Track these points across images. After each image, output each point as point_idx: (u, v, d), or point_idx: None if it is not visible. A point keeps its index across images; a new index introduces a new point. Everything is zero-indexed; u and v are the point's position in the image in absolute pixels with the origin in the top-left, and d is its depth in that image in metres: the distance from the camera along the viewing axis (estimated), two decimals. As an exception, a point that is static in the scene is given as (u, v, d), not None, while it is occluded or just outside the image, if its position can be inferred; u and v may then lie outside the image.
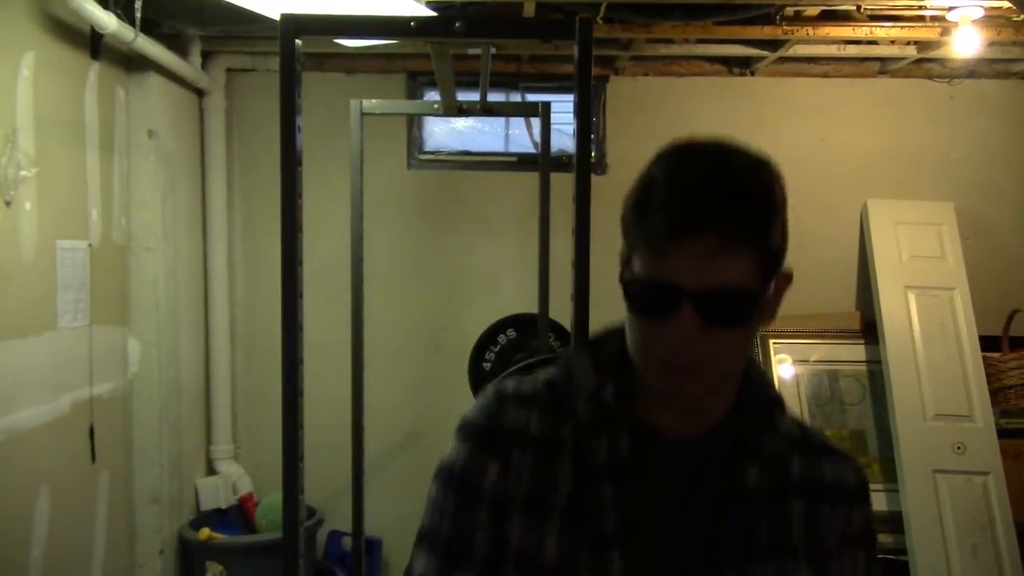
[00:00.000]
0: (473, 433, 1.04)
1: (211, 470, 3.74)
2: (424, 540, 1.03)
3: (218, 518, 3.57)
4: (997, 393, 3.48)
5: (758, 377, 1.06)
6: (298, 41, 1.79)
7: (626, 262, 0.98)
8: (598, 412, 1.01)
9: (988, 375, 3.48)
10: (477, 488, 1.01)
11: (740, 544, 0.99)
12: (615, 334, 1.04)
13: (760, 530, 1.00)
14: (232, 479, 3.72)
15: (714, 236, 0.89)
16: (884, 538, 3.26)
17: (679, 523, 1.00)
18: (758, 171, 0.97)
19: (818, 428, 1.18)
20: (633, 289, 0.96)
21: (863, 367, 3.69)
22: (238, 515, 3.68)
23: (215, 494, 3.65)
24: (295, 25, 1.77)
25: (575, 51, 1.77)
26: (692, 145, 0.99)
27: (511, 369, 1.18)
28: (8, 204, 2.39)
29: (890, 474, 3.40)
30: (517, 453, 1.00)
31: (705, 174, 0.94)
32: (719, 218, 0.90)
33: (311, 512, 3.50)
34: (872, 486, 3.54)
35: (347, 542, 3.65)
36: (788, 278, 1.01)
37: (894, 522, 3.29)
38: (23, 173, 2.40)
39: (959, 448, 3.34)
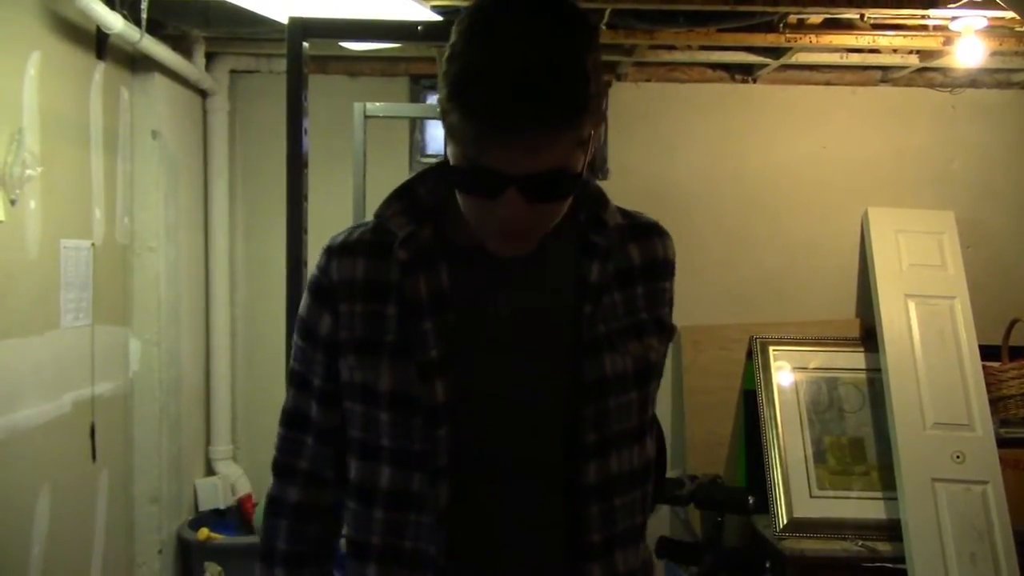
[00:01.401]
0: (310, 287, 1.17)
1: (210, 470, 3.74)
2: (290, 378, 1.23)
3: (216, 518, 3.57)
4: (996, 402, 3.48)
5: (582, 184, 1.10)
6: (305, 44, 1.80)
7: (448, 139, 1.00)
8: (415, 253, 1.10)
9: (988, 384, 3.48)
10: (315, 335, 1.16)
11: (593, 334, 1.10)
12: (429, 172, 1.16)
13: (614, 317, 1.12)
14: (231, 480, 3.72)
15: (533, 134, 0.93)
16: (883, 546, 3.26)
17: (525, 326, 1.11)
18: (569, 44, 0.94)
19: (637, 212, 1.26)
20: (458, 174, 0.99)
21: (862, 375, 3.69)
22: (236, 516, 3.68)
23: (214, 494, 3.65)
24: (303, 28, 1.78)
25: (581, 57, 1.78)
26: (500, 8, 0.97)
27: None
28: (13, 203, 2.39)
29: (889, 482, 3.40)
30: (344, 304, 1.12)
31: (520, 67, 0.91)
32: (536, 121, 0.92)
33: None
34: (871, 494, 3.55)
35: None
36: (600, 120, 1.03)
37: (893, 530, 3.29)
38: (28, 172, 2.40)
39: (958, 457, 3.34)
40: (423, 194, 1.14)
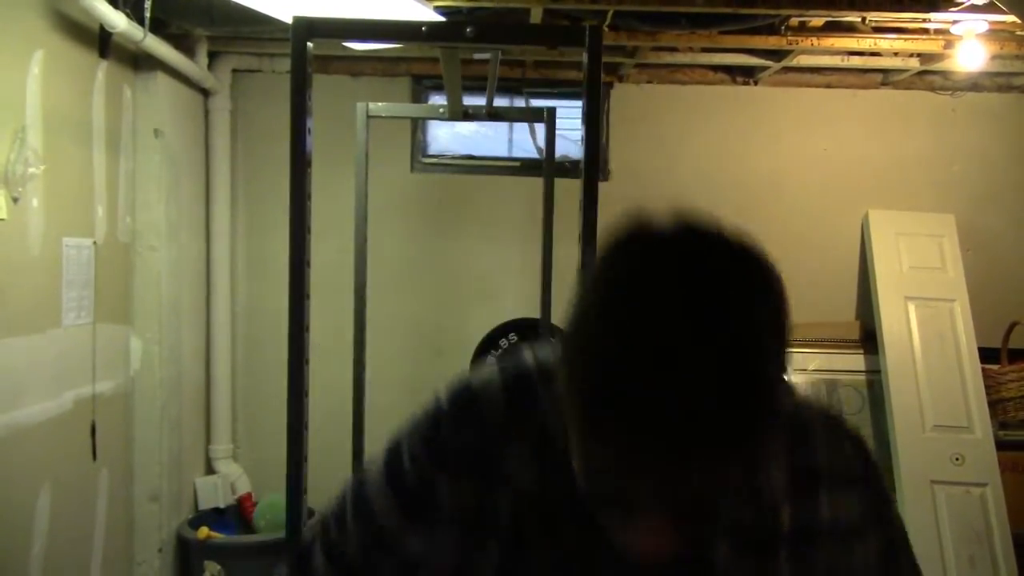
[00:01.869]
0: (405, 488, 0.90)
1: (210, 469, 3.74)
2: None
3: (216, 517, 3.58)
4: (996, 405, 3.49)
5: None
6: (309, 44, 1.80)
7: (568, 423, 0.72)
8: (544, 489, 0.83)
9: (987, 387, 3.49)
10: (400, 547, 0.90)
11: None
12: (544, 383, 0.84)
13: None
14: (231, 479, 3.72)
15: (701, 461, 0.65)
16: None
17: None
18: (757, 344, 0.68)
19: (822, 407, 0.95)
20: (583, 483, 0.72)
21: (862, 377, 3.70)
22: (236, 515, 3.68)
23: (214, 493, 3.65)
24: (307, 28, 1.78)
25: (584, 58, 1.79)
26: (649, 278, 0.68)
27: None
28: (16, 201, 2.39)
29: (888, 484, 3.41)
30: (442, 531, 0.87)
31: (690, 385, 0.64)
32: (713, 436, 0.64)
33: (310, 513, 3.49)
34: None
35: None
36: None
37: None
38: (31, 170, 2.41)
39: (957, 459, 3.35)
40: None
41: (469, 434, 0.86)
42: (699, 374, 0.63)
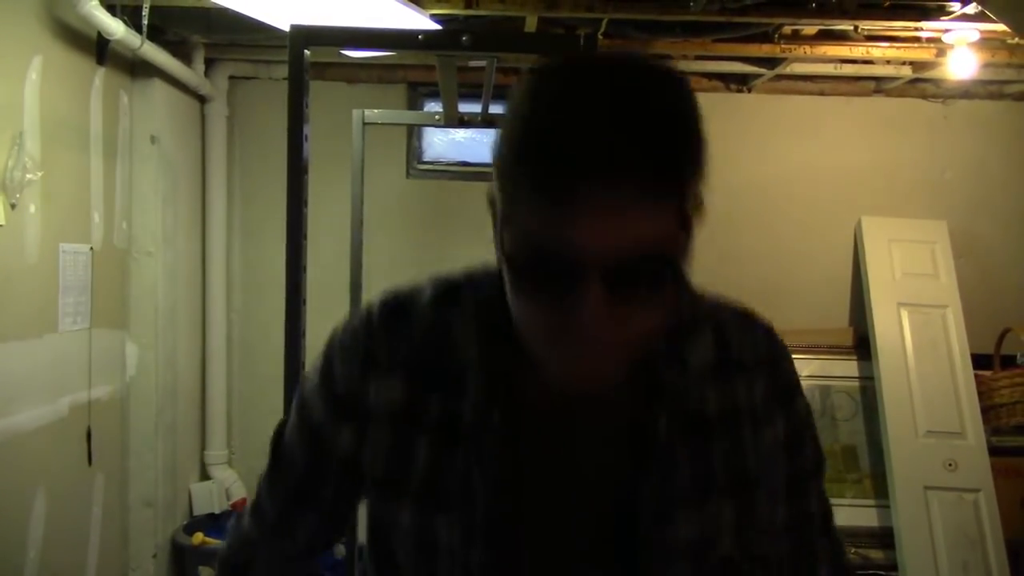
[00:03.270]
0: (325, 378, 0.96)
1: (205, 475, 3.74)
2: (296, 409, 1.01)
3: (211, 523, 3.57)
4: (988, 411, 3.51)
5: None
6: (307, 51, 1.82)
7: (505, 220, 0.76)
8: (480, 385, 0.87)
9: (980, 393, 3.51)
10: (328, 441, 0.95)
11: (659, 498, 0.86)
12: (490, 277, 0.88)
13: (678, 477, 0.87)
14: (225, 484, 3.72)
15: (631, 184, 0.68)
16: (875, 554, 3.28)
17: (575, 479, 0.88)
18: (674, 88, 0.74)
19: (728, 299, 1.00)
20: (518, 261, 0.74)
21: (855, 383, 3.71)
22: (231, 520, 3.68)
23: (208, 499, 3.65)
24: (305, 36, 1.80)
25: (579, 66, 1.80)
26: (579, 64, 0.77)
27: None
28: (13, 207, 2.40)
29: (881, 490, 3.42)
30: (374, 428, 0.90)
31: (611, 100, 0.70)
32: (638, 159, 0.68)
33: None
34: (863, 501, 3.55)
35: (339, 549, 3.66)
36: (701, 205, 0.79)
37: (885, 538, 3.31)
38: (29, 176, 2.41)
39: (951, 465, 3.37)
40: (482, 303, 0.90)
41: (397, 338, 0.90)
42: (620, 107, 0.70)
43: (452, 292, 0.92)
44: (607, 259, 0.69)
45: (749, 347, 0.95)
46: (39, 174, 2.49)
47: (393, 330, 0.90)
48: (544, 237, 0.70)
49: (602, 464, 0.87)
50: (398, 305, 0.92)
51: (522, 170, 0.71)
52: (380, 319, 0.91)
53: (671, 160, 0.70)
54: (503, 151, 0.74)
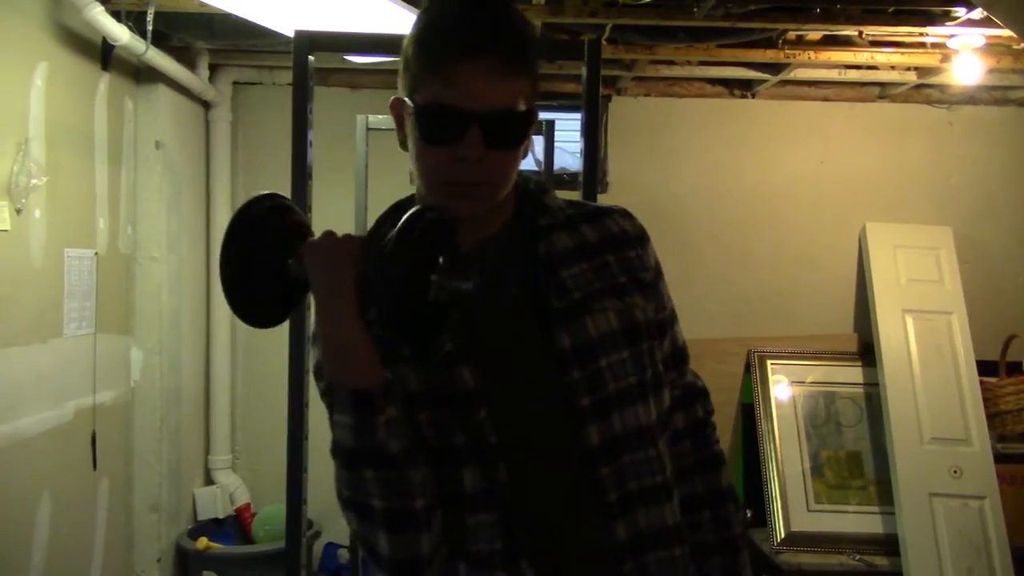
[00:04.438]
0: None
1: (209, 480, 3.74)
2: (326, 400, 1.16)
3: (215, 528, 3.58)
4: (994, 418, 3.49)
5: (520, 177, 1.20)
6: (311, 57, 1.82)
7: (412, 93, 1.08)
8: None
9: (985, 399, 3.49)
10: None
11: (568, 301, 1.13)
12: (397, 207, 1.23)
13: (586, 282, 1.14)
14: (230, 489, 3.72)
15: (494, 58, 1.03)
16: (880, 561, 3.27)
17: (504, 313, 1.15)
18: (515, 10, 1.11)
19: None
20: (424, 117, 1.06)
21: (860, 389, 3.70)
22: (235, 525, 3.68)
23: (212, 504, 3.65)
24: (309, 41, 1.80)
25: (584, 71, 1.80)
26: None
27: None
28: (19, 212, 2.41)
29: (886, 497, 3.41)
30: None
31: (480, 8, 1.07)
32: (496, 41, 1.04)
33: (308, 524, 3.50)
34: (868, 508, 3.54)
35: (343, 555, 3.66)
36: (536, 115, 1.13)
37: (890, 544, 3.30)
38: (34, 181, 2.42)
39: (956, 472, 3.35)
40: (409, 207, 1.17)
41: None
42: (486, 10, 1.08)
43: (394, 207, 1.26)
44: (483, 112, 1.04)
45: (603, 206, 1.28)
46: (44, 179, 2.50)
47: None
48: (440, 101, 1.04)
49: (518, 289, 1.15)
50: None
51: (418, 48, 1.07)
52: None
53: (521, 45, 1.07)
54: (409, 47, 1.09)
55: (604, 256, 1.18)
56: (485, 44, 1.04)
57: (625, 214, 1.25)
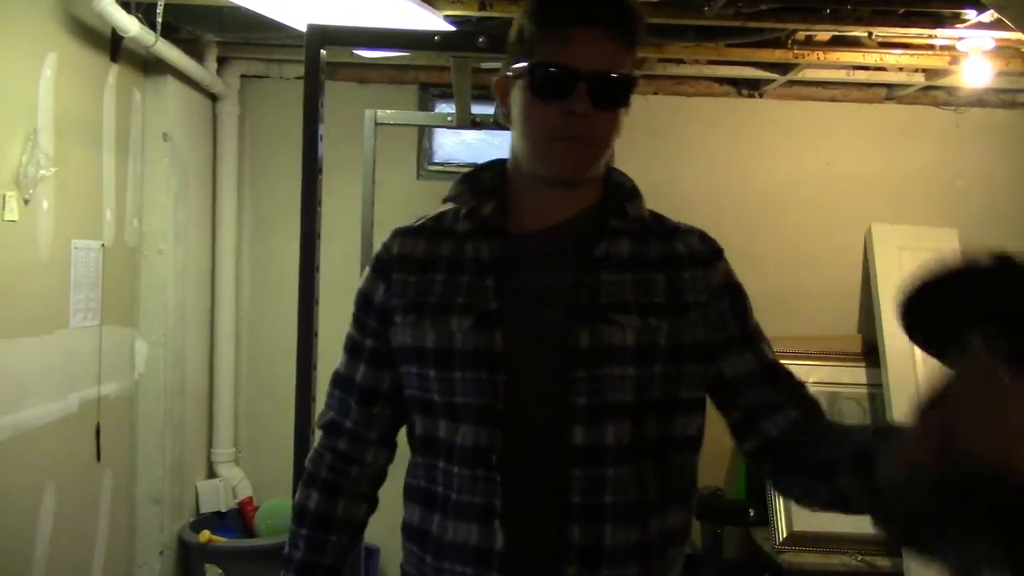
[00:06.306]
0: (373, 262, 1.31)
1: (211, 473, 3.75)
2: (345, 345, 1.34)
3: (217, 521, 3.58)
4: (996, 420, 3.49)
5: (618, 176, 1.28)
6: (323, 51, 1.82)
7: (527, 56, 1.16)
8: (475, 224, 1.23)
9: (988, 402, 3.49)
10: (371, 302, 1.28)
11: (593, 304, 1.17)
12: (494, 164, 1.29)
13: (619, 293, 1.18)
14: (232, 483, 3.72)
15: (605, 26, 1.14)
16: (882, 561, 3.27)
17: (546, 296, 1.20)
18: None
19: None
20: (540, 74, 1.15)
21: (863, 390, 3.70)
22: (237, 519, 3.68)
23: (215, 497, 3.66)
24: (321, 35, 1.80)
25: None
26: None
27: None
28: (27, 202, 2.41)
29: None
30: (399, 274, 1.25)
31: None
32: (608, 10, 1.14)
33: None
34: (871, 508, 3.52)
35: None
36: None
37: (892, 545, 3.30)
38: (42, 172, 2.42)
39: (958, 473, 3.35)
40: (486, 179, 1.26)
41: (420, 220, 1.31)
42: None
43: (469, 175, 1.30)
44: (590, 73, 1.13)
45: (687, 226, 1.29)
46: (52, 170, 2.50)
47: (396, 235, 1.30)
48: (555, 59, 1.14)
49: (561, 280, 1.20)
50: (396, 229, 1.32)
51: (540, 19, 1.16)
52: (388, 238, 1.31)
53: (627, 17, 1.16)
54: (524, 17, 1.18)
55: (655, 273, 1.21)
56: (598, 12, 1.14)
57: (703, 237, 1.27)
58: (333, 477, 1.33)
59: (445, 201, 1.28)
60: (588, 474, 1.14)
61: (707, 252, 1.25)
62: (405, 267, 1.25)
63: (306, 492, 1.35)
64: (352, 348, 1.32)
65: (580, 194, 1.22)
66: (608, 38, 1.14)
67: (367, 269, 1.31)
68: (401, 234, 1.29)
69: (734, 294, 1.26)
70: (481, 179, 1.27)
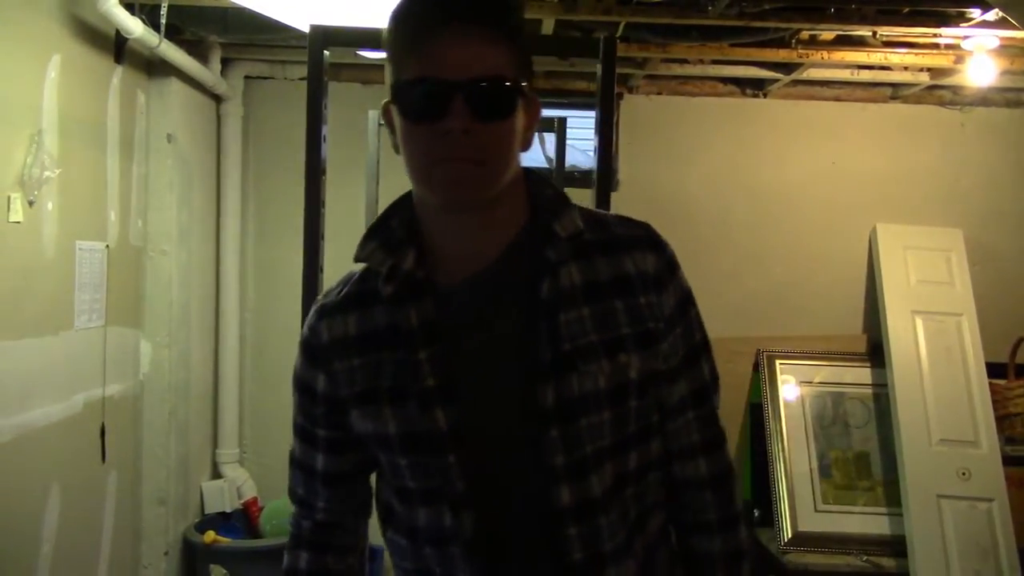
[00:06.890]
0: (302, 346, 1.18)
1: (216, 474, 3.75)
2: (293, 428, 1.24)
3: (222, 522, 3.58)
4: (1003, 420, 3.48)
5: (537, 183, 1.13)
6: (326, 52, 1.82)
7: (394, 81, 1.03)
8: (401, 285, 1.09)
9: (994, 402, 3.48)
10: (312, 391, 1.17)
11: (556, 355, 1.06)
12: (401, 204, 1.14)
13: (582, 334, 1.07)
14: (237, 483, 3.73)
15: (470, 25, 0.99)
16: (887, 562, 3.27)
17: (495, 353, 1.08)
18: None
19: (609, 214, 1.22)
20: (406, 95, 1.01)
21: (868, 390, 3.69)
22: (242, 519, 3.69)
23: (220, 498, 3.66)
24: (324, 36, 1.80)
25: (598, 69, 1.80)
26: None
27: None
28: (32, 204, 2.41)
29: (894, 498, 3.40)
30: (339, 363, 1.13)
31: None
32: (471, 9, 0.99)
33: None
34: (876, 509, 3.54)
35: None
36: (537, 104, 1.09)
37: (897, 546, 3.29)
38: (47, 174, 2.42)
39: (964, 474, 3.35)
40: (396, 226, 1.13)
41: (343, 289, 1.17)
42: None
43: (347, 275, 1.18)
44: (464, 83, 0.98)
45: (628, 230, 1.15)
46: (57, 172, 2.50)
47: (322, 315, 1.16)
48: (422, 77, 0.99)
49: (510, 331, 1.08)
50: (319, 304, 1.19)
51: (398, 34, 1.02)
52: (312, 318, 1.18)
53: (499, 11, 1.01)
54: (387, 31, 1.04)
55: (612, 301, 1.09)
56: (459, 12, 0.98)
57: (653, 245, 1.14)
58: (318, 538, 1.27)
59: (357, 261, 1.14)
60: (583, 530, 1.07)
61: (662, 268, 1.13)
62: (343, 353, 1.13)
63: (294, 555, 1.27)
64: (304, 436, 1.23)
65: (501, 218, 1.09)
66: (480, 37, 0.99)
67: (299, 352, 1.19)
68: (327, 315, 1.15)
69: (686, 315, 1.17)
70: (391, 227, 1.13)
